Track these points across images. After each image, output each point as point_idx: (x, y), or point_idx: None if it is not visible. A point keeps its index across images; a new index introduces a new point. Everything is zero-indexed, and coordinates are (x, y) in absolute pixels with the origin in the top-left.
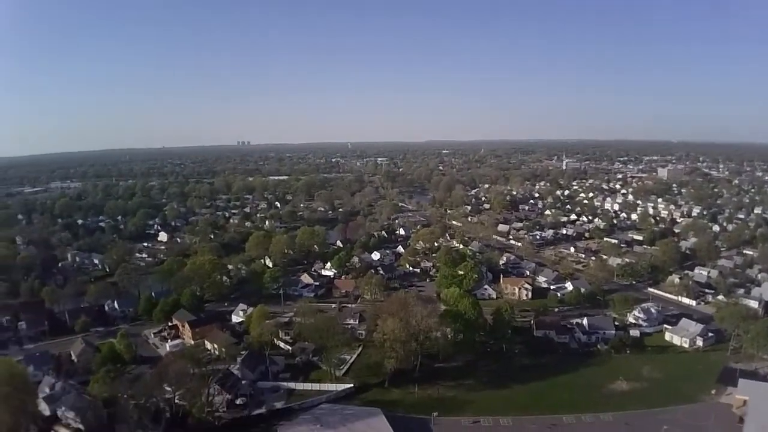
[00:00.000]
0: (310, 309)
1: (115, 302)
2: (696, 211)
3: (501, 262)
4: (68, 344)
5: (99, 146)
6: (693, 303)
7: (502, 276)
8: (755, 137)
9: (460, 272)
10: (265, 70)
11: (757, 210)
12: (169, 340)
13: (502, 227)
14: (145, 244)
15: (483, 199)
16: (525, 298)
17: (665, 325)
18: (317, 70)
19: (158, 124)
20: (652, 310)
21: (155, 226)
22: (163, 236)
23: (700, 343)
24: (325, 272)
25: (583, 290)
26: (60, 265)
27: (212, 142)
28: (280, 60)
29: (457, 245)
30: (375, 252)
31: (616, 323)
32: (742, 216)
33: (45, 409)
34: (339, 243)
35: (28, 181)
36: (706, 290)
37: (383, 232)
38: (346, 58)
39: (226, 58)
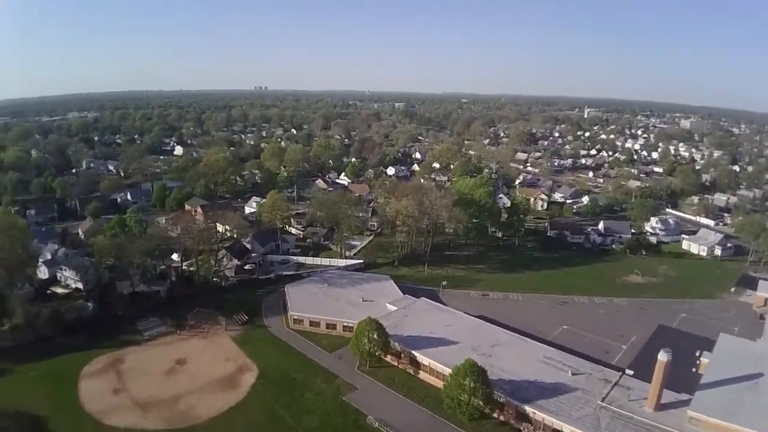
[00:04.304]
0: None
1: (128, 193)
2: (717, 154)
3: (518, 182)
4: (77, 227)
5: (116, 88)
6: (711, 223)
7: (518, 186)
8: None
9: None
10: (283, 15)
11: None
12: None
13: (520, 155)
14: (162, 156)
15: (502, 134)
16: (540, 208)
17: (683, 235)
18: (337, 16)
19: (175, 67)
20: (670, 221)
21: (171, 143)
22: (179, 150)
23: (718, 252)
24: (339, 181)
25: (600, 203)
26: (74, 171)
27: (229, 86)
28: (298, 4)
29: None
30: (390, 167)
31: (633, 231)
32: (762, 161)
33: (44, 272)
34: (354, 160)
35: (45, 113)
36: (725, 213)
37: (399, 154)
38: (368, 3)
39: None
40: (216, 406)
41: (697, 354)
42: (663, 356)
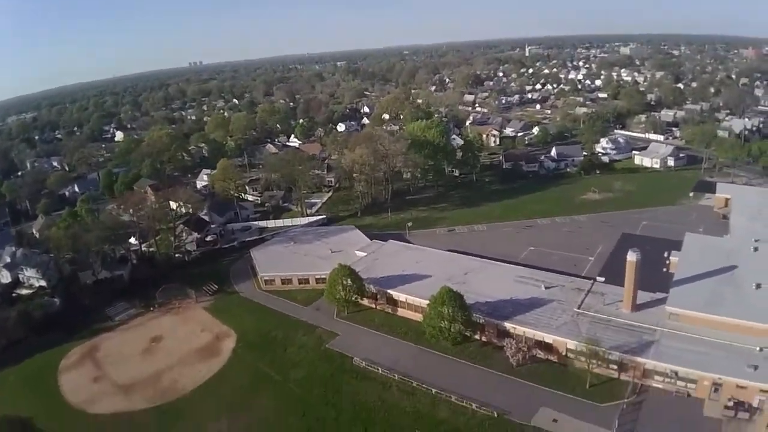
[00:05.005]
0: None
1: (75, 186)
2: (659, 75)
3: (468, 122)
4: (31, 227)
5: (52, 85)
6: (660, 138)
7: (469, 125)
8: (718, 30)
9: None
10: None
11: (722, 74)
12: None
13: (467, 97)
14: (103, 145)
15: (447, 80)
16: (493, 144)
17: (634, 152)
18: None
19: (106, 54)
20: (620, 140)
21: (111, 129)
22: (119, 135)
23: (671, 163)
24: (289, 143)
25: (551, 132)
26: (20, 173)
27: (163, 66)
28: None
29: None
30: (340, 124)
31: (585, 153)
32: (706, 77)
33: (6, 276)
34: (301, 121)
35: None
36: (673, 128)
37: (347, 110)
38: None
39: None
40: (199, 375)
41: (665, 255)
42: (632, 256)
